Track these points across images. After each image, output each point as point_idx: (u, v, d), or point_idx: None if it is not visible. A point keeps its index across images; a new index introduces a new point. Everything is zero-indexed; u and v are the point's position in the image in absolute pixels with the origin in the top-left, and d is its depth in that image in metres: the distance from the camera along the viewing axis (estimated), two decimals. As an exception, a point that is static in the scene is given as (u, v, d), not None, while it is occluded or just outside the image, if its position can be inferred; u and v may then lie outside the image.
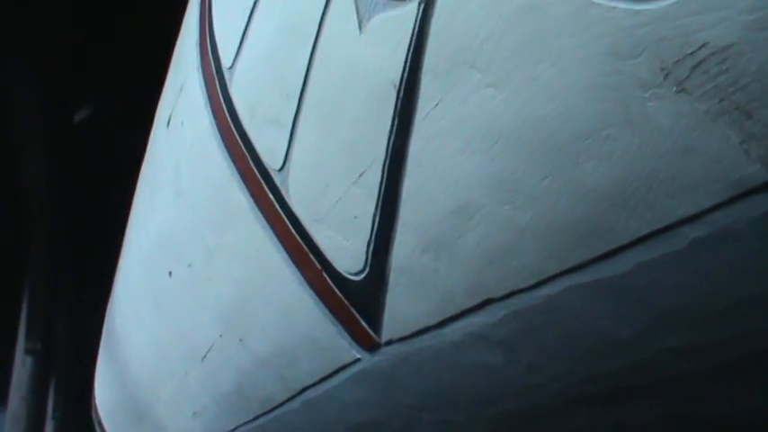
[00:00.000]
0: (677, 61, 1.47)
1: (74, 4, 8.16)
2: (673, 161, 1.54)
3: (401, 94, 1.90)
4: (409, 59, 1.86)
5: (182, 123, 3.16)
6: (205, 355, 2.99)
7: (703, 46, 1.44)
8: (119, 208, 4.67)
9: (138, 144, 4.22)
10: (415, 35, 1.84)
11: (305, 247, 2.34)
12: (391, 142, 1.96)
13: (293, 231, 2.38)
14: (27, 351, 9.26)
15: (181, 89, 3.21)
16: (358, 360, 2.27)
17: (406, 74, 1.88)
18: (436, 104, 1.84)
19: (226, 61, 2.65)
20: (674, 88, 1.49)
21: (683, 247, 1.58)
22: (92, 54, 8.54)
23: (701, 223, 1.55)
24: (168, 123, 3.40)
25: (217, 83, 2.72)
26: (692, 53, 1.45)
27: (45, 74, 8.50)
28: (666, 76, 1.49)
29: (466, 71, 1.77)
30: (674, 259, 1.60)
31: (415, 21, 1.83)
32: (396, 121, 1.93)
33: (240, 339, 2.76)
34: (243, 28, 2.52)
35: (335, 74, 2.11)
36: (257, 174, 2.50)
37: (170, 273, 3.28)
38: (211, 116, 2.77)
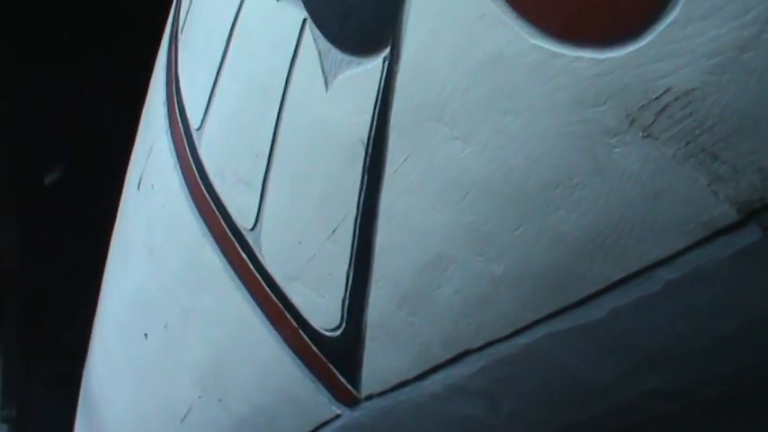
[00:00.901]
0: (642, 107, 1.48)
1: (45, 71, 8.16)
2: (643, 205, 1.55)
3: (370, 151, 1.91)
4: (376, 116, 1.87)
5: (152, 186, 3.16)
6: (185, 417, 2.96)
7: (666, 91, 1.45)
8: (91, 271, 4.64)
9: (109, 206, 4.21)
10: (380, 91, 1.85)
11: (280, 305, 2.33)
12: (362, 198, 1.96)
13: (268, 290, 2.37)
14: (2, 419, 9.13)
15: (150, 151, 3.21)
16: (338, 416, 2.26)
17: (373, 130, 1.89)
18: (405, 159, 1.85)
19: (194, 122, 2.65)
20: (641, 134, 1.50)
21: (658, 289, 1.59)
22: (62, 118, 8.52)
23: (673, 265, 1.56)
24: (139, 185, 3.40)
25: (186, 144, 2.72)
26: (656, 98, 1.47)
27: (15, 138, 8.47)
28: (632, 122, 1.50)
29: (433, 125, 1.77)
30: (649, 302, 1.61)
31: (380, 77, 1.84)
32: (365, 177, 1.94)
33: (219, 400, 2.74)
34: (210, 89, 2.53)
35: (304, 132, 2.12)
36: (229, 234, 2.49)
37: (146, 335, 3.25)
38: (181, 177, 2.77)
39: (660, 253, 1.57)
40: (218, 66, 2.48)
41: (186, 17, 2.88)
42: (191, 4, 2.84)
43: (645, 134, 1.49)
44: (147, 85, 3.61)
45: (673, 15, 1.42)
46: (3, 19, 7.70)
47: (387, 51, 1.82)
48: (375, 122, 1.88)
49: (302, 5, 2.06)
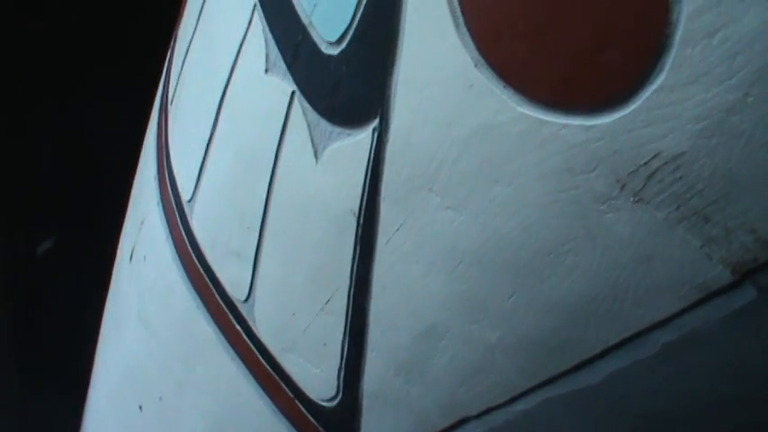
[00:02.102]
0: (632, 172, 1.49)
1: (33, 143, 8.18)
2: (636, 270, 1.55)
3: (361, 221, 1.91)
4: (367, 187, 1.87)
5: (144, 257, 3.15)
6: (181, 488, 2.93)
7: (656, 156, 1.46)
8: (84, 343, 4.61)
9: (100, 277, 4.19)
10: (371, 162, 1.85)
11: (276, 376, 2.31)
12: (355, 269, 1.95)
13: (263, 362, 2.35)
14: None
15: (142, 223, 3.21)
16: (336, 487, 2.23)
17: (364, 201, 1.89)
18: (397, 229, 1.85)
19: (185, 195, 2.66)
20: (631, 198, 1.50)
21: (655, 352, 1.58)
22: (53, 188, 8.52)
23: (669, 328, 1.56)
24: (131, 257, 3.39)
25: (177, 216, 2.72)
26: (645, 163, 1.47)
27: (6, 207, 8.46)
28: (623, 187, 1.51)
29: (424, 195, 1.78)
30: (646, 365, 1.60)
31: (370, 148, 1.85)
32: (358, 248, 1.93)
33: (217, 471, 2.71)
34: (200, 161, 2.53)
35: (294, 204, 2.12)
36: (223, 306, 2.48)
37: (140, 407, 3.22)
38: (173, 249, 2.76)
39: (655, 316, 1.57)
40: (207, 138, 2.49)
41: (176, 89, 2.90)
42: (180, 75, 2.86)
43: (636, 199, 1.50)
44: (137, 154, 3.62)
45: (659, 81, 1.43)
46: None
47: (376, 122, 1.83)
48: (366, 193, 1.88)
49: (290, 78, 2.07)
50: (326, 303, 2.06)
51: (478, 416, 1.86)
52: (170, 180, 2.82)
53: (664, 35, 1.40)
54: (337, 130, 1.94)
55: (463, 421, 1.88)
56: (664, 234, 1.50)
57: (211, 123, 2.46)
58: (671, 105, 1.43)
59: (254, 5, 2.24)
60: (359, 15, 1.85)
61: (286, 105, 2.07)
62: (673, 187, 1.47)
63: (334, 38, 1.91)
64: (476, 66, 1.62)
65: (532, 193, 1.61)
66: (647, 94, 1.44)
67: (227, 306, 2.47)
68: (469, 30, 1.63)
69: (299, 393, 2.25)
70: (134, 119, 4.05)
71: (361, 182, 1.88)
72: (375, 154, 1.84)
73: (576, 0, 1.49)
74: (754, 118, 1.38)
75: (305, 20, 2.00)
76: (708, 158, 1.42)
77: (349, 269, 1.97)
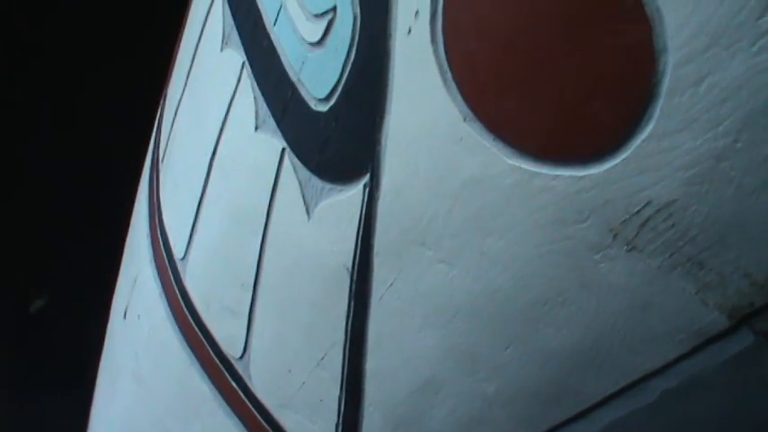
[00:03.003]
0: (624, 221, 1.49)
1: (27, 202, 8.18)
2: (632, 318, 1.56)
3: (355, 277, 1.90)
4: (360, 242, 1.87)
5: (138, 315, 3.13)
6: None
7: (647, 204, 1.47)
8: (78, 400, 4.57)
9: (95, 334, 4.17)
10: (362, 218, 1.85)
11: (273, 433, 2.29)
12: (350, 324, 1.94)
13: (259, 418, 2.33)
14: None
15: (135, 281, 3.20)
16: None
17: (357, 256, 1.89)
18: (391, 284, 1.84)
19: (177, 253, 2.65)
20: (625, 247, 1.51)
21: (654, 400, 1.58)
22: (46, 245, 8.51)
23: (668, 375, 1.56)
24: (125, 315, 3.37)
25: (170, 274, 2.71)
26: (637, 212, 1.48)
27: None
28: (615, 236, 1.51)
29: (417, 249, 1.77)
30: (645, 413, 1.60)
31: (362, 204, 1.85)
32: (352, 304, 1.93)
33: None
34: (192, 219, 2.53)
35: (288, 261, 2.11)
36: (218, 363, 2.47)
37: (137, 465, 3.19)
38: (167, 307, 2.75)
39: (653, 364, 1.57)
40: (199, 195, 2.49)
41: (166, 146, 2.90)
42: (170, 133, 2.87)
43: (629, 247, 1.50)
44: (129, 211, 3.61)
45: (648, 130, 1.43)
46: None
47: (366, 178, 1.83)
48: (359, 249, 1.88)
49: (280, 135, 2.07)
50: (322, 359, 2.04)
51: (477, 467, 1.84)
52: (162, 238, 2.82)
53: (651, 84, 1.41)
54: (328, 186, 1.94)
55: (463, 473, 1.87)
56: (658, 281, 1.50)
57: (203, 181, 2.47)
58: (661, 154, 1.43)
59: (243, 63, 2.25)
60: (347, 72, 1.85)
61: (276, 162, 2.08)
62: (666, 235, 1.47)
63: (322, 95, 1.92)
64: (465, 120, 1.62)
65: (525, 245, 1.61)
66: (637, 143, 1.45)
67: (222, 363, 2.45)
68: (457, 84, 1.64)
69: (297, 450, 2.23)
70: (124, 175, 4.05)
71: (354, 237, 1.88)
72: (367, 209, 1.84)
73: (563, 52, 1.50)
74: (744, 164, 1.39)
75: (293, 77, 2.01)
76: (699, 205, 1.43)
77: (344, 325, 1.96)
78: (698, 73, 1.38)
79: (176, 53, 3.09)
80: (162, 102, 3.17)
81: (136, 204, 3.44)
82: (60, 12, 6.65)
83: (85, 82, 6.89)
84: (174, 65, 3.09)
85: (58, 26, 6.71)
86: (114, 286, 3.77)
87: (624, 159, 1.47)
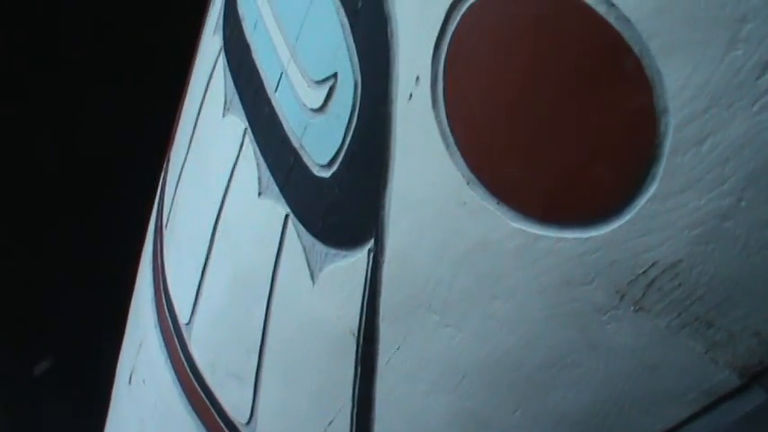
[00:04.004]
0: (630, 282, 1.49)
1: (32, 263, 8.19)
2: (641, 378, 1.55)
3: (361, 342, 1.90)
4: (365, 307, 1.87)
5: (143, 381, 3.12)
6: None
7: (653, 265, 1.47)
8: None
9: (99, 399, 4.16)
10: (368, 283, 1.85)
11: (280, 499, 2.27)
12: (357, 389, 1.93)
13: (267, 484, 2.32)
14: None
15: (140, 346, 3.19)
16: None
17: (363, 321, 1.88)
18: (397, 348, 1.83)
19: (182, 318, 2.65)
20: (632, 308, 1.50)
21: (666, 460, 1.56)
22: (51, 308, 8.50)
23: (679, 435, 1.52)
24: (130, 380, 3.36)
25: (175, 340, 2.70)
26: (643, 272, 1.48)
27: (3, 327, 8.42)
28: (622, 297, 1.51)
29: (423, 314, 1.77)
30: (659, 474, 1.57)
31: (367, 269, 1.85)
32: (359, 369, 1.92)
33: None
34: (196, 285, 2.53)
35: (293, 326, 2.11)
36: (225, 429, 2.45)
37: None
38: (173, 373, 2.74)
39: (664, 424, 1.56)
40: (203, 261, 2.49)
41: (170, 213, 2.91)
42: (174, 198, 2.88)
43: (636, 308, 1.50)
44: (134, 273, 3.62)
45: (651, 191, 1.44)
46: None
47: (371, 243, 1.83)
48: (364, 314, 1.88)
49: (284, 201, 2.08)
50: (329, 425, 2.03)
51: None
52: (167, 303, 2.81)
53: (653, 145, 1.42)
54: (333, 251, 1.94)
55: None
56: (667, 341, 1.50)
57: (206, 246, 2.47)
58: (665, 214, 1.44)
59: (245, 129, 2.26)
60: (349, 138, 1.86)
61: (280, 228, 2.08)
62: (673, 295, 1.47)
63: (325, 161, 1.93)
64: (468, 184, 1.63)
65: (532, 308, 1.61)
66: (641, 204, 1.45)
67: (228, 429, 2.44)
68: (460, 148, 1.64)
69: None
70: (128, 239, 4.06)
71: (360, 302, 1.88)
72: (372, 274, 1.84)
73: (565, 116, 1.50)
74: (749, 222, 1.39)
75: (295, 143, 2.02)
76: (705, 265, 1.43)
77: (351, 390, 1.95)
78: (700, 133, 1.38)
79: (178, 117, 3.11)
80: (165, 166, 3.18)
81: (140, 269, 3.44)
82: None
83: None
84: (176, 129, 3.11)
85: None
86: (119, 350, 3.76)
87: (629, 220, 1.47)
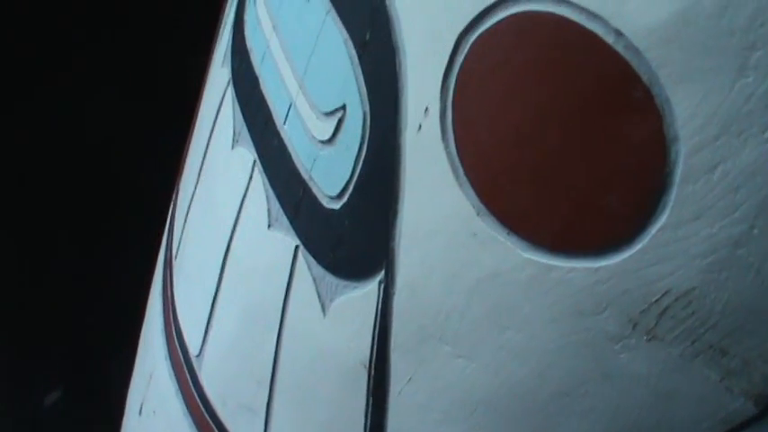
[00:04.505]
0: (643, 311, 1.49)
1: (45, 295, 8.21)
2: (655, 407, 1.54)
3: (372, 373, 1.89)
4: (376, 338, 1.86)
5: (154, 412, 3.11)
6: None
7: (666, 293, 1.47)
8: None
9: (109, 429, 4.15)
10: (378, 315, 1.85)
11: None
12: (368, 420, 1.92)
13: None
14: None
15: (150, 377, 3.18)
16: None
17: (374, 353, 1.88)
18: (409, 380, 1.83)
19: (193, 350, 2.64)
20: (645, 337, 1.50)
21: (682, 490, 1.55)
22: (61, 338, 8.52)
23: (695, 464, 1.51)
24: (140, 411, 3.35)
25: (186, 371, 2.69)
26: (656, 301, 1.48)
27: (13, 357, 8.43)
28: (635, 326, 1.51)
29: (434, 345, 1.76)
30: (674, 504, 1.57)
31: (377, 300, 1.84)
32: (370, 400, 1.91)
33: None
34: (206, 316, 2.53)
35: (304, 358, 2.10)
36: (236, 460, 2.44)
37: None
38: (183, 405, 2.73)
39: (680, 453, 1.53)
40: (213, 293, 2.49)
41: (179, 244, 2.91)
42: (183, 230, 2.88)
43: (649, 337, 1.50)
44: (144, 301, 3.62)
45: (662, 219, 1.44)
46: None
47: (381, 275, 1.83)
48: (375, 345, 1.87)
49: (294, 233, 2.08)
50: (342, 456, 2.03)
51: None
52: (177, 334, 2.81)
53: (663, 174, 1.42)
54: (343, 283, 1.94)
55: None
56: (681, 370, 1.50)
57: (216, 278, 2.47)
58: (677, 242, 1.44)
59: (254, 161, 2.26)
60: (358, 169, 1.86)
61: (290, 260, 2.08)
62: (686, 323, 1.47)
63: (334, 192, 1.93)
64: (478, 214, 1.63)
65: (544, 338, 1.61)
66: (652, 233, 1.46)
67: (240, 461, 2.43)
68: (469, 179, 1.64)
69: None
70: (137, 271, 4.06)
71: (371, 334, 1.88)
72: (383, 306, 1.84)
73: (574, 145, 1.51)
74: (762, 249, 1.40)
75: (305, 175, 2.02)
76: (719, 293, 1.43)
77: (362, 421, 1.94)
78: (710, 161, 1.39)
79: (187, 149, 3.12)
80: (174, 197, 3.19)
81: (149, 300, 3.44)
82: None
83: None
84: (184, 161, 3.11)
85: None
86: (129, 381, 3.76)
87: (640, 249, 1.47)
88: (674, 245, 1.44)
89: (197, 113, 3.04)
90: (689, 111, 1.39)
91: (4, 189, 6.96)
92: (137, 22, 6.57)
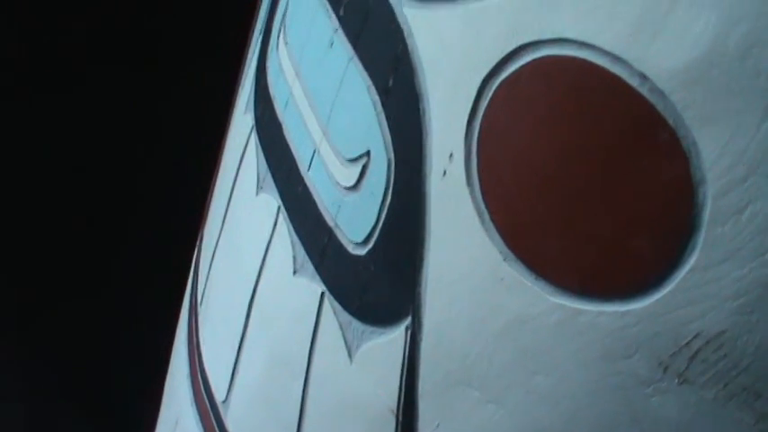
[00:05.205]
0: (673, 354, 1.48)
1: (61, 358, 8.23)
2: (688, 452, 1.51)
3: (400, 419, 1.88)
4: (404, 385, 1.85)
5: (180, 459, 3.10)
6: None
7: (697, 336, 1.45)
8: None
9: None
10: (406, 360, 1.84)
11: None
12: (397, 467, 1.91)
13: None
14: None
15: (176, 423, 3.18)
16: None
17: (402, 399, 1.87)
18: (437, 426, 1.82)
19: (219, 396, 2.63)
20: (676, 380, 1.49)
21: None
22: (90, 384, 8.54)
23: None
24: (167, 457, 3.34)
25: (212, 417, 2.69)
26: (686, 344, 1.47)
27: (38, 405, 8.44)
28: (666, 369, 1.49)
29: (463, 390, 1.76)
30: None
31: (404, 347, 1.84)
32: (399, 446, 1.90)
33: None
34: (233, 362, 2.52)
35: (331, 405, 2.09)
36: (262, 508, 2.43)
37: None
38: (210, 451, 2.73)
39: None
40: (239, 339, 2.49)
41: (204, 290, 2.92)
42: (208, 276, 2.88)
43: (680, 380, 1.48)
44: (170, 346, 3.62)
45: (691, 262, 1.43)
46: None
47: (408, 321, 1.82)
48: (403, 392, 1.86)
49: (319, 279, 2.08)
50: (370, 503, 2.01)
51: None
52: (203, 380, 2.81)
53: (691, 216, 1.41)
54: (370, 329, 1.93)
55: None
56: (714, 413, 1.48)
57: (242, 325, 2.47)
58: (706, 284, 1.43)
59: (279, 207, 2.27)
60: (383, 215, 1.87)
61: (317, 306, 2.08)
62: (718, 366, 1.45)
63: (360, 238, 1.93)
64: (505, 259, 1.63)
65: (574, 382, 1.59)
66: (681, 275, 1.45)
67: (266, 508, 2.41)
68: (496, 224, 1.64)
69: None
70: (161, 316, 4.07)
71: (398, 380, 1.87)
72: (410, 352, 1.83)
73: (600, 189, 1.51)
74: (793, 291, 1.37)
75: (330, 222, 2.03)
76: (750, 335, 1.42)
77: (391, 467, 1.93)
78: (739, 202, 1.38)
79: (210, 195, 3.13)
80: (198, 244, 3.20)
81: (175, 345, 3.45)
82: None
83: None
84: (208, 206, 3.13)
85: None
86: (155, 426, 3.75)
87: (669, 292, 1.46)
88: (703, 287, 1.43)
89: (220, 160, 3.06)
90: (716, 152, 1.38)
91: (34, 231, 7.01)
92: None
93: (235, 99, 2.97)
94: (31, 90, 6.53)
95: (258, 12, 2.90)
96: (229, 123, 3.02)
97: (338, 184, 2.00)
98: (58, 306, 7.45)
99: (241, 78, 2.95)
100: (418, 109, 1.77)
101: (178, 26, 6.36)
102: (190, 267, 3.32)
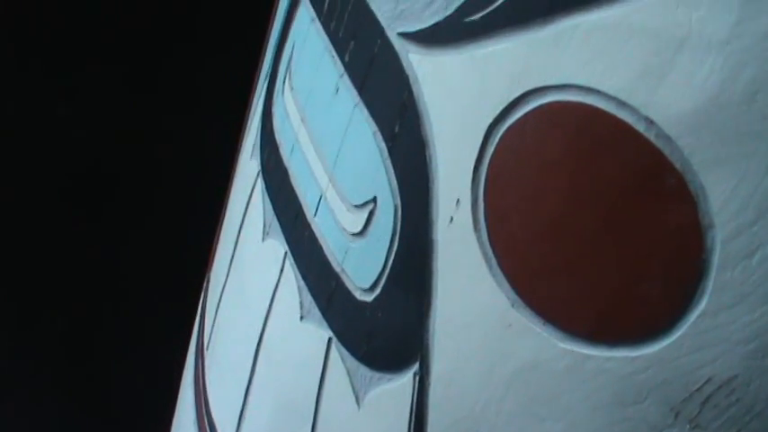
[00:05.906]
0: (685, 399, 1.47)
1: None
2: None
3: (409, 464, 1.87)
4: (412, 431, 1.84)
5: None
6: None
7: (708, 381, 1.44)
8: None
9: None
10: (414, 407, 1.83)
11: None
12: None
13: None
14: None
15: (183, 467, 3.16)
16: None
17: (411, 446, 1.85)
18: (446, 472, 1.80)
19: (226, 441, 2.62)
20: (688, 426, 1.48)
21: None
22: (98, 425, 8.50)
23: None
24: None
25: (219, 463, 2.67)
26: (698, 390, 1.45)
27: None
28: (677, 415, 1.48)
29: (472, 437, 1.74)
30: None
31: (413, 393, 1.82)
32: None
33: None
34: (239, 408, 2.51)
35: (339, 450, 2.08)
36: None
37: None
38: (216, 494, 2.71)
39: None
40: (246, 384, 2.48)
41: (211, 335, 2.91)
42: (215, 320, 2.88)
43: (692, 426, 1.47)
44: (176, 390, 3.60)
45: (701, 307, 1.42)
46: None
47: (416, 367, 1.81)
48: (412, 438, 1.85)
49: (326, 325, 2.07)
50: None
51: None
52: (210, 425, 2.79)
53: (700, 261, 1.41)
54: (377, 375, 1.92)
55: None
56: (727, 459, 1.44)
57: (249, 369, 2.46)
58: (717, 329, 1.42)
59: (285, 253, 2.27)
60: (390, 261, 1.86)
61: (324, 352, 2.07)
62: (730, 411, 1.44)
63: (367, 284, 1.92)
64: (513, 306, 1.62)
65: (584, 428, 1.58)
66: (691, 320, 1.44)
67: None
68: (503, 270, 1.64)
69: None
70: (167, 356, 4.06)
71: (406, 426, 1.85)
72: (418, 398, 1.82)
73: (608, 235, 1.50)
74: (806, 334, 1.36)
75: (336, 267, 2.02)
76: (762, 379, 1.41)
77: None
78: (748, 246, 1.38)
79: (217, 239, 3.13)
80: (204, 287, 3.20)
81: (181, 390, 3.43)
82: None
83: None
84: (215, 251, 3.13)
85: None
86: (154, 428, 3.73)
87: (679, 337, 1.45)
88: (713, 332, 1.42)
89: (226, 205, 3.06)
90: (724, 197, 1.38)
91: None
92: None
93: (240, 142, 2.98)
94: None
95: (263, 56, 2.91)
96: (235, 164, 3.03)
97: (345, 230, 2.00)
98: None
99: (247, 121, 2.96)
100: (425, 155, 1.77)
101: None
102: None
